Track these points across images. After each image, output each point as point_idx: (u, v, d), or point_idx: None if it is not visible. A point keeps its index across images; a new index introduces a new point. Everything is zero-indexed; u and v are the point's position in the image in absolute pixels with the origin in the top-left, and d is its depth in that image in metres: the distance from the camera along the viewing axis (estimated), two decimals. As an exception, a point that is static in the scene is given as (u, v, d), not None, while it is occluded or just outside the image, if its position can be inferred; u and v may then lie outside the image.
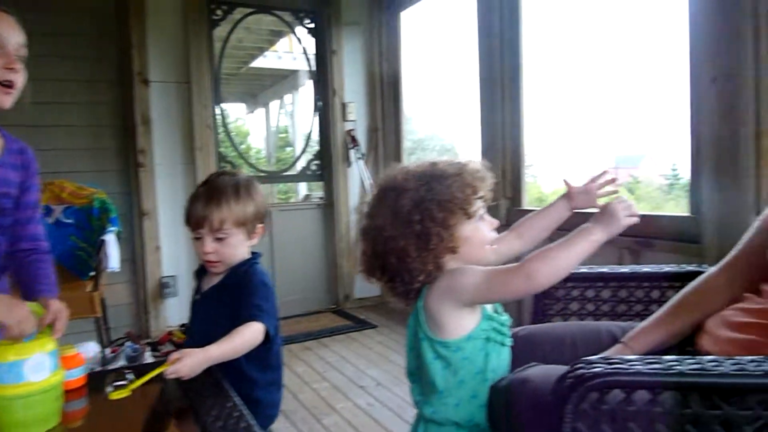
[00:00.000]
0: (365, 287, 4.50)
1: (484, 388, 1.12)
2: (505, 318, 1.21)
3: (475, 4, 3.36)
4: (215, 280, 1.51)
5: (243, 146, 17.98)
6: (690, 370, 0.83)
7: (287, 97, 10.59)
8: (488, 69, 3.29)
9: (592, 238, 1.06)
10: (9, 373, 0.97)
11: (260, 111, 12.47)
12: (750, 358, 0.89)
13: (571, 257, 1.05)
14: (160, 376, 1.13)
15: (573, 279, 1.62)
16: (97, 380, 1.32)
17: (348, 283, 4.43)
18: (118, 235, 3.20)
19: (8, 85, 1.25)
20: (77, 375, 1.25)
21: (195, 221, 1.40)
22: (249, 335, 1.34)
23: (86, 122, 3.67)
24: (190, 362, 1.22)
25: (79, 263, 3.26)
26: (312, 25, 4.36)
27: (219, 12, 4.02)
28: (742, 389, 0.83)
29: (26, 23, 1.37)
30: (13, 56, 1.26)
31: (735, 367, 0.84)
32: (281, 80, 10.26)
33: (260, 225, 1.50)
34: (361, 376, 2.97)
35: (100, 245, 3.07)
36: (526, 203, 3.28)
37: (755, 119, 1.99)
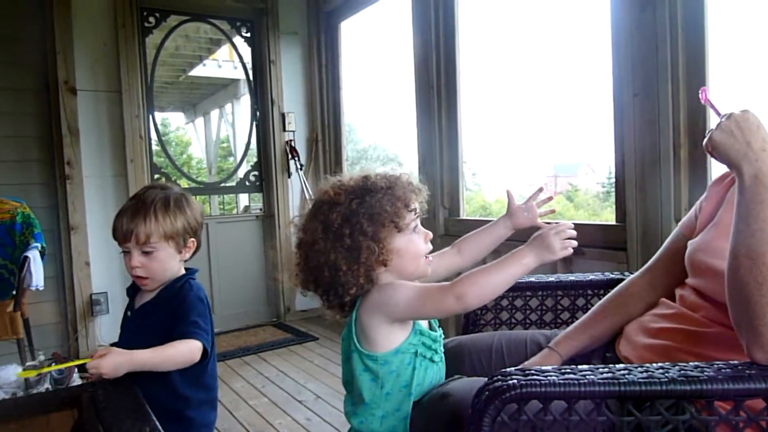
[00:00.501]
0: (307, 299, 4.44)
1: (408, 402, 1.12)
2: (437, 334, 1.21)
3: (411, 15, 3.40)
4: (148, 297, 1.47)
5: (184, 156, 17.57)
6: (601, 379, 0.86)
7: (228, 107, 10.42)
8: (424, 79, 3.33)
9: (523, 262, 1.08)
10: None
11: (200, 120, 12.22)
12: (659, 365, 0.92)
13: (500, 280, 1.07)
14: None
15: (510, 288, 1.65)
16: (5, 408, 1.24)
17: (289, 296, 4.37)
18: (43, 252, 3.04)
19: None
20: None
21: (121, 235, 1.37)
22: (183, 349, 1.31)
23: (9, 133, 3.48)
24: (114, 360, 1.21)
25: (0, 282, 3.09)
26: (249, 35, 4.31)
27: (151, 19, 3.91)
28: (650, 396, 0.85)
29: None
30: None
31: (644, 375, 0.87)
32: (222, 89, 10.09)
33: (192, 239, 1.46)
34: (300, 390, 2.92)
35: (23, 262, 2.91)
36: (465, 213, 3.33)
37: (673, 132, 2.09)
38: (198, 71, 8.78)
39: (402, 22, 3.58)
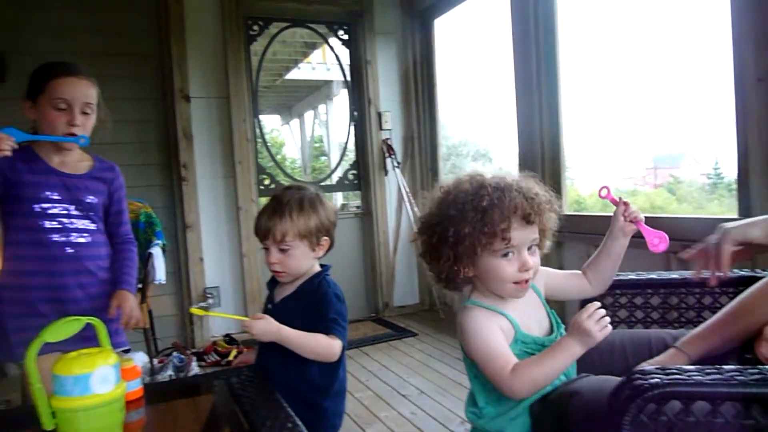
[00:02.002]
0: (404, 295, 4.52)
1: (516, 405, 1.14)
2: (551, 337, 1.21)
3: (510, 6, 3.34)
4: (287, 290, 1.53)
5: (278, 156, 18.27)
6: (753, 380, 0.81)
7: (321, 107, 10.72)
8: (524, 70, 3.26)
9: (572, 351, 1.07)
10: (76, 386, 1.01)
11: (295, 122, 12.66)
12: (815, 367, 0.86)
13: (552, 374, 1.08)
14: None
15: (621, 286, 1.60)
16: (152, 392, 1.36)
17: (387, 292, 4.44)
18: (164, 248, 3.29)
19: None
20: (135, 387, 1.29)
21: (261, 233, 1.45)
22: (324, 344, 1.39)
23: (134, 139, 3.78)
24: (265, 326, 1.35)
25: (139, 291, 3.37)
26: (346, 36, 4.42)
27: (255, 27, 4.11)
28: (808, 400, 0.80)
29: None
30: (76, 114, 1.62)
31: (800, 377, 0.82)
32: (315, 91, 10.40)
33: (325, 238, 1.53)
34: (403, 385, 2.97)
35: (147, 258, 3.16)
36: (567, 208, 3.23)
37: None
38: (293, 74, 9.11)
39: (497, 15, 3.53)
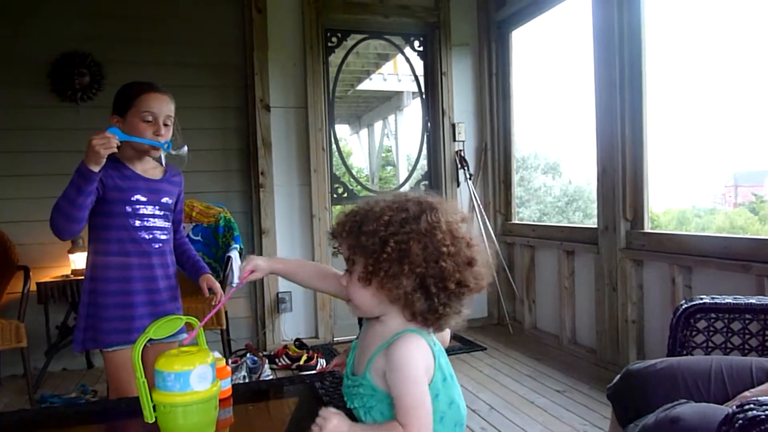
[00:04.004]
0: (473, 308, 4.44)
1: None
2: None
3: (591, 18, 3.27)
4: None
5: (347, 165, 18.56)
6: None
7: (391, 118, 10.81)
8: (606, 82, 3.18)
9: None
10: (177, 382, 1.06)
11: (364, 131, 12.83)
12: None
13: None
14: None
15: (716, 310, 1.52)
16: (239, 392, 1.41)
17: (455, 304, 4.40)
18: (241, 252, 3.40)
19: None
20: (225, 386, 1.34)
21: None
22: None
23: (215, 146, 3.96)
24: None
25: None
26: (421, 48, 4.45)
27: (334, 39, 4.20)
28: None
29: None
30: (161, 126, 1.80)
31: None
32: (385, 101, 10.51)
33: None
34: (473, 400, 2.93)
35: (226, 261, 3.28)
36: (650, 225, 3.11)
37: None
38: (365, 85, 9.25)
39: (576, 26, 3.45)
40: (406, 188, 4.60)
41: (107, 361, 1.81)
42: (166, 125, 1.83)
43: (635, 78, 3.07)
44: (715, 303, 1.51)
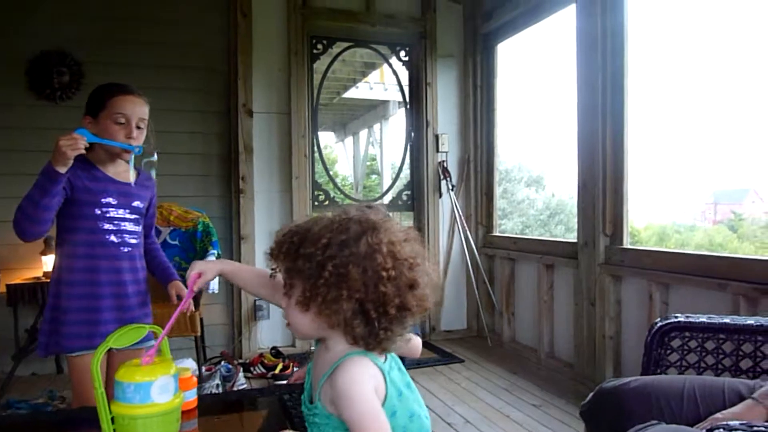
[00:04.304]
0: (452, 320, 4.45)
1: None
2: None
3: (575, 33, 3.29)
4: None
5: (331, 173, 18.53)
6: None
7: (376, 127, 10.82)
8: (588, 98, 3.19)
9: None
10: (137, 393, 1.03)
11: (349, 140, 12.82)
12: None
13: None
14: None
15: (691, 329, 1.51)
16: (205, 403, 1.37)
17: (434, 315, 4.38)
18: (218, 258, 3.34)
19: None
20: (191, 397, 1.30)
21: None
22: None
23: (196, 150, 3.91)
24: None
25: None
26: (407, 58, 4.45)
27: (319, 46, 4.19)
28: None
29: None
30: (133, 128, 1.77)
31: None
32: (371, 110, 10.52)
33: None
34: (449, 413, 2.91)
35: (202, 267, 3.22)
36: (629, 241, 3.12)
37: None
38: (351, 93, 9.26)
39: (561, 40, 3.47)
40: (387, 199, 4.58)
41: (71, 366, 1.76)
42: (139, 128, 1.80)
43: (617, 91, 3.08)
44: (690, 322, 1.51)
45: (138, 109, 1.80)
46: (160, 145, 3.79)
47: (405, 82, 4.52)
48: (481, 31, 4.35)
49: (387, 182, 9.59)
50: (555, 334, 3.66)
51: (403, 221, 5.63)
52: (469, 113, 4.44)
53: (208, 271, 1.30)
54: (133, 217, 1.87)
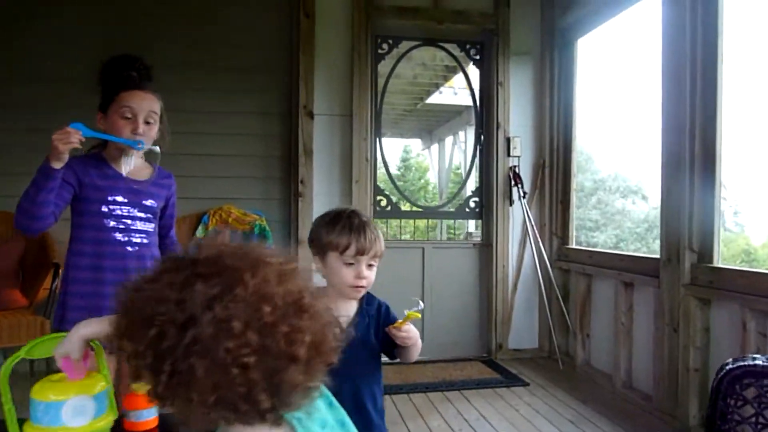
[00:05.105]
0: (521, 338, 4.11)
1: None
2: None
3: (661, 22, 2.90)
4: (350, 309, 1.50)
5: (422, 181, 18.35)
6: None
7: (461, 134, 10.53)
8: (674, 94, 2.80)
9: None
10: (46, 414, 0.89)
11: (435, 147, 12.61)
12: None
13: None
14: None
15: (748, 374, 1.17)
16: (170, 422, 1.22)
17: (502, 331, 4.07)
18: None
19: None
20: (148, 416, 1.17)
21: (359, 248, 1.45)
22: None
23: (257, 152, 3.87)
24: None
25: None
26: (477, 56, 4.19)
27: (384, 46, 4.03)
28: None
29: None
30: (140, 123, 1.73)
31: None
32: (456, 116, 10.24)
33: None
34: (500, 443, 2.62)
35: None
36: (721, 259, 2.68)
37: None
38: (434, 99, 9.03)
39: (651, 33, 3.08)
40: (452, 206, 4.32)
41: None
42: (148, 123, 1.77)
43: (708, 89, 2.67)
44: (745, 365, 1.17)
45: (146, 104, 1.77)
46: (221, 147, 3.83)
47: (476, 82, 4.26)
48: (559, 26, 4.00)
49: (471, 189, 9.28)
50: (633, 362, 3.25)
51: (472, 229, 5.35)
52: (545, 115, 4.10)
53: (71, 348, 0.97)
54: (144, 215, 1.83)
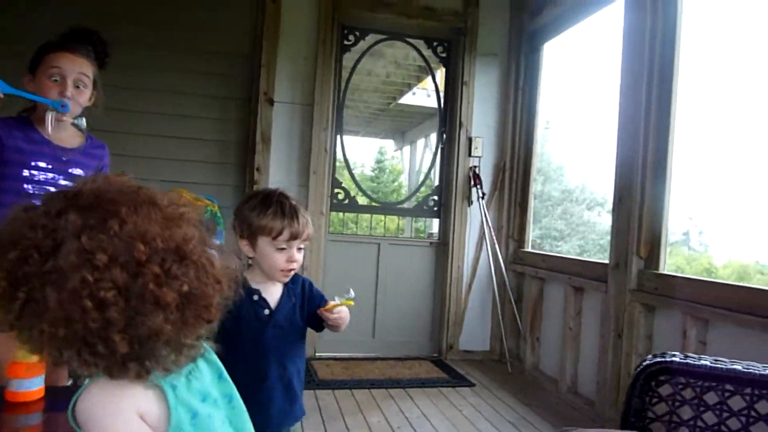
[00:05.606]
0: (473, 339, 4.09)
1: None
2: None
3: (622, 28, 2.91)
4: (275, 292, 1.50)
5: (395, 183, 18.31)
6: None
7: (433, 136, 10.53)
8: (630, 99, 2.80)
9: None
10: None
11: (407, 148, 12.60)
12: None
13: None
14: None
15: (688, 373, 1.15)
16: (59, 393, 1.15)
17: (454, 332, 4.04)
18: (219, 246, 3.17)
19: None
20: (34, 386, 1.09)
21: (292, 233, 1.43)
22: None
23: (214, 137, 3.78)
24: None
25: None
26: (444, 55, 4.16)
27: (351, 37, 3.98)
28: None
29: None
30: (68, 86, 1.65)
31: None
32: (429, 118, 10.22)
33: None
34: (437, 442, 2.58)
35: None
36: (666, 266, 2.69)
37: None
38: (407, 99, 9.00)
39: (612, 41, 3.10)
40: (411, 204, 4.28)
41: None
42: (78, 87, 1.69)
43: (664, 93, 2.67)
44: (687, 363, 1.15)
45: (76, 66, 1.69)
46: (180, 129, 3.72)
47: (441, 81, 4.24)
48: (526, 29, 4.00)
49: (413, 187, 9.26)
50: (579, 367, 3.24)
51: (430, 229, 5.32)
52: (509, 117, 4.09)
53: None
54: (68, 184, 1.73)
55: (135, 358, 0.64)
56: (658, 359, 1.16)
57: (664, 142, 2.67)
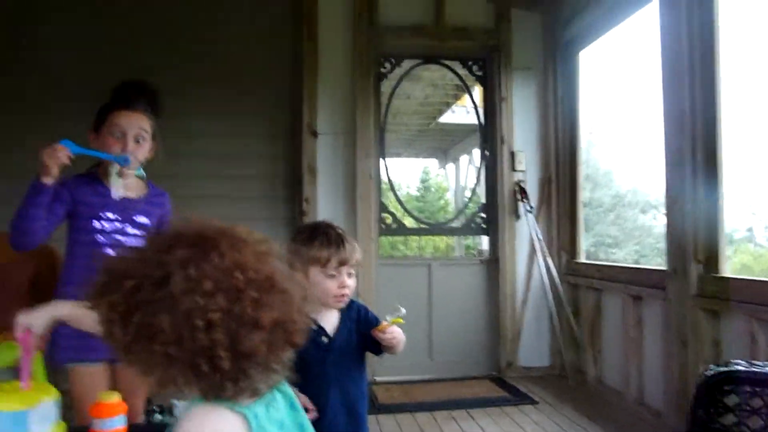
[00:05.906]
0: (532, 356, 4.03)
1: None
2: None
3: (659, 30, 2.88)
4: (332, 319, 1.55)
5: (441, 201, 18.30)
6: None
7: (475, 152, 10.51)
8: (674, 99, 2.76)
9: None
10: (15, 425, 0.89)
11: (451, 166, 12.60)
12: None
13: None
14: None
15: (755, 382, 1.13)
16: (141, 431, 1.22)
17: (511, 349, 4.00)
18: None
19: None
20: (117, 425, 1.16)
21: (340, 260, 1.49)
22: None
23: (262, 172, 3.92)
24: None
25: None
26: (480, 73, 4.19)
27: (387, 65, 4.06)
28: None
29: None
30: (129, 141, 1.79)
31: None
32: (470, 135, 10.22)
33: None
34: (502, 462, 2.55)
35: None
36: (727, 267, 2.61)
37: None
38: (447, 118, 9.06)
39: (651, 40, 3.06)
40: (458, 222, 4.30)
41: (69, 380, 1.75)
42: (138, 142, 1.83)
43: (708, 93, 2.62)
44: (754, 372, 1.12)
45: (135, 123, 1.82)
46: (229, 168, 3.87)
47: (479, 97, 4.27)
48: (561, 40, 4.00)
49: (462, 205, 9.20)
50: (645, 378, 3.15)
51: (480, 245, 5.29)
52: (550, 129, 4.07)
53: (36, 323, 1.10)
54: (136, 233, 1.85)
55: (232, 377, 0.71)
56: (721, 369, 1.14)
57: (712, 138, 2.61)
